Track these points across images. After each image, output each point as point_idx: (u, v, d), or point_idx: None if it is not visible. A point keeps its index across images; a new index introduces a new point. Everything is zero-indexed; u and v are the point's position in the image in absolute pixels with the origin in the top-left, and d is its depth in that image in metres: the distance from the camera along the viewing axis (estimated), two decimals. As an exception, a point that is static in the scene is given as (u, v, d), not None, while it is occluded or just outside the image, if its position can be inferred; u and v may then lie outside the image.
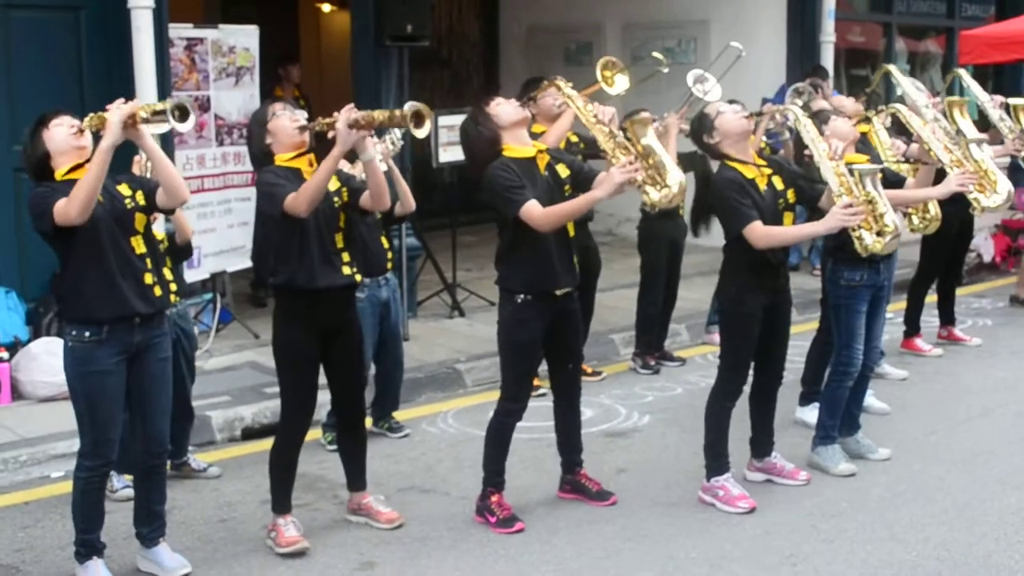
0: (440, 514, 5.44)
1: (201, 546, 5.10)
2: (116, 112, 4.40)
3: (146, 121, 4.45)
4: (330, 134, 4.84)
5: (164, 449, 4.85)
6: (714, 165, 5.62)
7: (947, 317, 8.62)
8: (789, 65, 11.69)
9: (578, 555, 4.96)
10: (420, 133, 4.73)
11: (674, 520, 5.32)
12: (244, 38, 8.19)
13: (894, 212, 5.40)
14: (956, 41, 13.07)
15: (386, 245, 6.37)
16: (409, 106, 4.71)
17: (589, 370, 7.77)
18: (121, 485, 5.57)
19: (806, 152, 5.70)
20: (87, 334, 4.49)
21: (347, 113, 4.71)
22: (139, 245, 4.57)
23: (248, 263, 8.40)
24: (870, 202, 5.29)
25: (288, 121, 4.93)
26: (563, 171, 5.19)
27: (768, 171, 5.42)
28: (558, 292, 5.14)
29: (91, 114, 4.61)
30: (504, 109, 5.14)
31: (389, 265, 6.40)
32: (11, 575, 4.84)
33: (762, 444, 5.73)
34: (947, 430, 6.62)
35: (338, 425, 5.34)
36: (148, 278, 4.60)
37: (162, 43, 7.41)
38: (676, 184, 5.03)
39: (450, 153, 8.97)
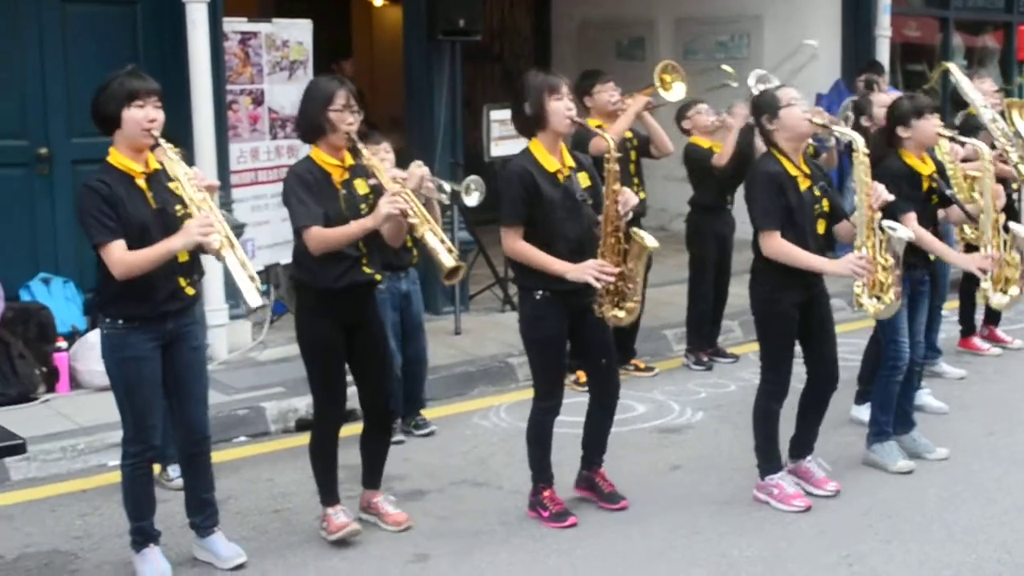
0: (493, 508, 5.44)
1: (256, 536, 5.13)
2: (196, 234, 4.34)
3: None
4: (371, 181, 4.86)
5: (204, 436, 4.87)
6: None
7: (990, 315, 8.47)
8: (844, 61, 11.59)
9: (631, 551, 4.93)
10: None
11: (728, 518, 5.28)
12: (298, 32, 8.23)
13: None
14: (1014, 36, 12.90)
15: (409, 243, 6.27)
16: (449, 262, 4.69)
17: (642, 365, 7.76)
18: (176, 475, 5.62)
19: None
20: (120, 322, 4.55)
21: (393, 203, 4.63)
22: (182, 254, 4.55)
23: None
24: (884, 268, 5.22)
25: (344, 125, 4.81)
26: (584, 180, 5.12)
27: (807, 171, 5.35)
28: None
29: (190, 175, 4.51)
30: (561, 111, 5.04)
31: (414, 261, 6.36)
32: (69, 562, 4.89)
33: (801, 445, 5.60)
34: (1006, 430, 6.52)
35: (364, 421, 5.26)
36: (183, 281, 4.63)
37: (217, 37, 7.47)
38: (633, 313, 5.15)
39: (501, 147, 8.97)
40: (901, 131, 5.77)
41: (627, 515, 5.31)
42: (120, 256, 4.40)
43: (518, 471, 5.87)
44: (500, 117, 8.89)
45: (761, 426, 5.46)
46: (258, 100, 7.97)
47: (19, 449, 3.77)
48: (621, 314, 5.11)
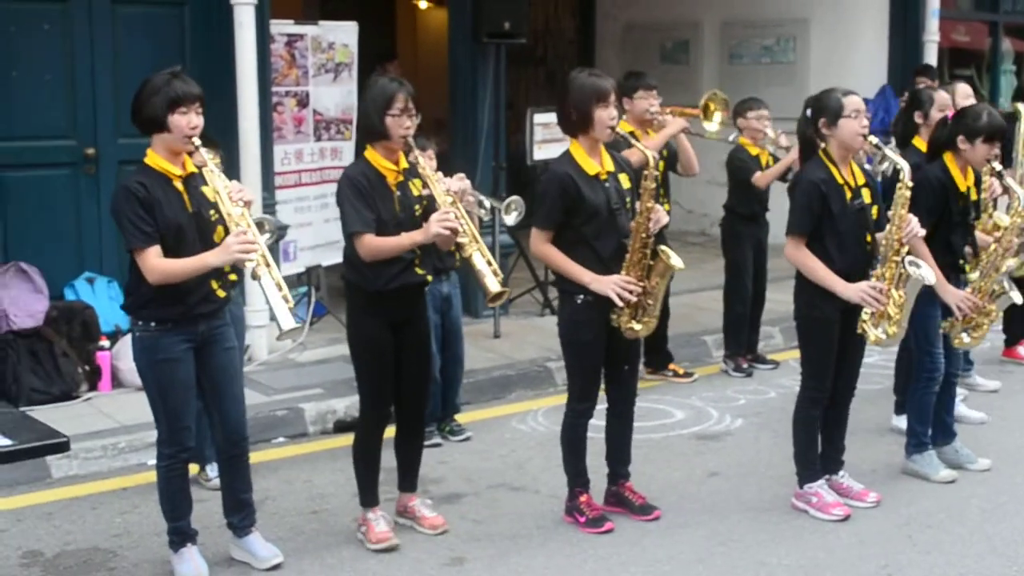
0: (530, 512, 5.44)
1: (293, 537, 5.16)
2: (236, 251, 4.35)
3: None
4: (424, 191, 4.88)
5: (243, 437, 4.90)
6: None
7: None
8: (891, 66, 11.50)
9: (669, 558, 4.91)
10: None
11: (766, 526, 5.25)
12: (343, 34, 8.27)
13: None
14: (1065, 41, 12.74)
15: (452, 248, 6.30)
16: (495, 287, 4.75)
17: (681, 371, 7.73)
18: (214, 474, 5.66)
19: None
20: (153, 324, 4.56)
21: (443, 222, 4.66)
22: None
23: (341, 258, 8.46)
24: (895, 303, 5.16)
25: (401, 129, 4.80)
26: (625, 181, 5.13)
27: (862, 182, 5.31)
28: None
29: (230, 192, 4.50)
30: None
31: (456, 265, 6.35)
32: (109, 560, 4.94)
33: (830, 460, 5.52)
34: (1050, 442, 6.45)
35: (398, 421, 5.24)
36: (215, 284, 4.65)
37: (263, 39, 7.52)
38: (649, 327, 5.13)
39: (544, 151, 8.96)
40: (961, 142, 5.67)
41: (665, 522, 5.29)
42: (155, 263, 4.43)
43: (555, 475, 5.85)
44: (543, 120, 8.89)
45: (801, 434, 5.42)
46: (303, 102, 8.01)
47: (63, 447, 3.80)
48: (638, 327, 5.10)
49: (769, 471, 5.95)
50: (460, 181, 5.00)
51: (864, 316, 5.21)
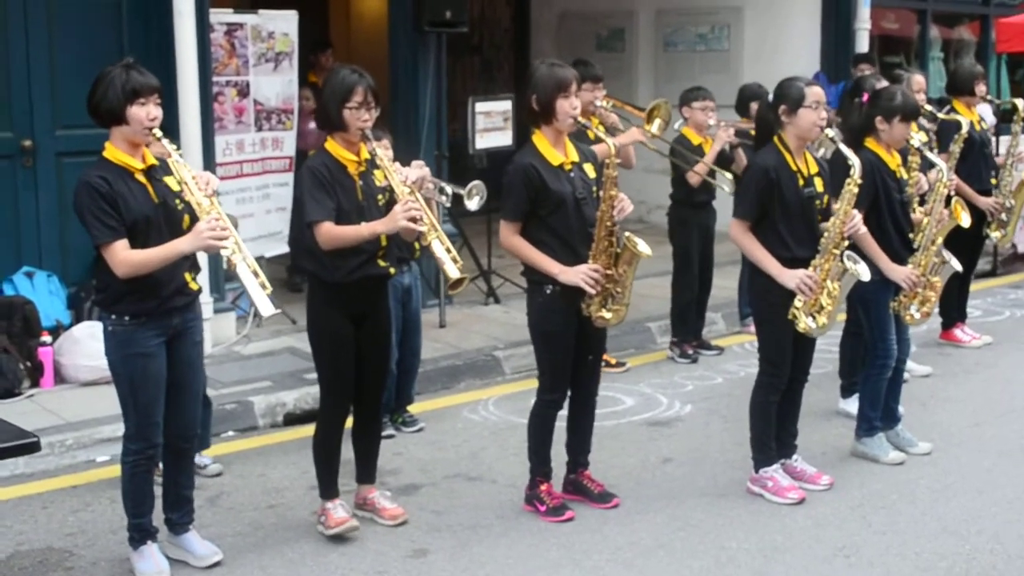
0: (488, 502, 5.44)
1: (252, 532, 5.11)
2: (207, 238, 4.31)
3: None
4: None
5: (195, 433, 4.90)
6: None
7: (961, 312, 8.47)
8: (824, 53, 11.64)
9: (630, 544, 4.95)
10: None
11: (723, 510, 5.30)
12: (283, 23, 8.18)
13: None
14: (990, 28, 12.99)
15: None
16: (454, 273, 4.80)
17: (613, 361, 7.69)
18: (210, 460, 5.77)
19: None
20: (127, 318, 4.49)
21: (405, 213, 4.65)
22: None
23: (286, 249, 8.39)
24: (829, 295, 5.25)
25: (359, 122, 4.77)
26: (590, 171, 5.14)
27: (815, 170, 5.38)
28: None
29: (195, 180, 4.46)
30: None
31: (416, 255, 6.34)
32: (65, 559, 4.85)
33: (784, 444, 5.60)
34: (991, 421, 6.58)
35: (356, 413, 5.21)
36: (188, 276, 4.61)
37: (203, 28, 7.41)
38: (619, 315, 5.14)
39: (487, 139, 8.97)
40: (879, 122, 5.79)
41: (623, 508, 5.32)
42: (124, 256, 4.36)
43: (511, 464, 5.88)
44: (485, 109, 8.89)
45: (758, 419, 5.48)
46: (243, 92, 7.92)
47: (33, 448, 3.72)
48: (608, 315, 5.12)
49: (722, 456, 6.01)
50: (419, 169, 4.99)
51: (797, 304, 5.27)
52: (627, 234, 5.11)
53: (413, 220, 4.67)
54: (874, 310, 5.84)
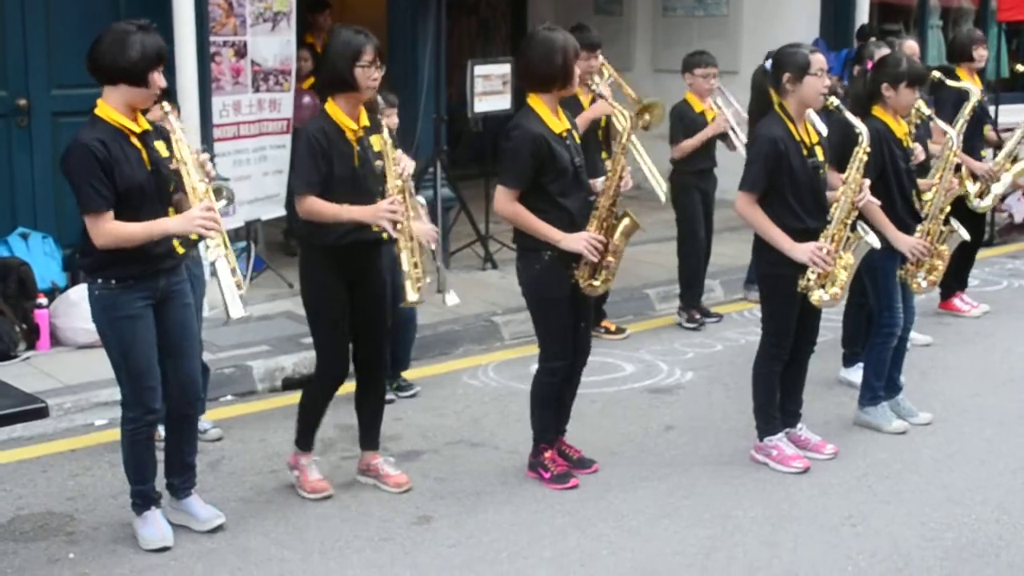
0: (491, 469, 5.41)
1: (254, 497, 5.08)
2: (197, 225, 4.30)
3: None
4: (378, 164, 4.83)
5: (198, 396, 4.84)
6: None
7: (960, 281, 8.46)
8: (823, 19, 11.54)
9: (635, 512, 4.93)
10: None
11: (728, 479, 5.28)
12: (281, -17, 8.05)
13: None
14: (991, -4, 12.89)
15: None
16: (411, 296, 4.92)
17: (613, 327, 7.64)
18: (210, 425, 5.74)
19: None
20: (113, 281, 4.43)
21: (388, 215, 4.69)
22: (172, 213, 4.49)
23: (282, 211, 8.32)
24: (844, 267, 5.23)
25: (370, 81, 4.73)
26: (576, 138, 5.12)
27: (815, 139, 5.33)
28: None
29: (184, 147, 4.47)
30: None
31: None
32: (66, 523, 4.81)
33: (789, 414, 5.58)
34: (990, 391, 6.58)
35: (359, 379, 5.20)
36: (175, 240, 4.54)
37: (201, -13, 7.29)
38: (607, 284, 5.18)
39: (485, 103, 8.88)
40: (885, 89, 5.73)
41: (626, 475, 5.30)
42: (110, 228, 4.29)
43: (513, 431, 5.85)
44: (484, 72, 8.80)
45: (761, 388, 5.46)
46: (241, 52, 7.80)
47: (41, 413, 3.67)
48: (596, 283, 5.12)
49: (724, 424, 5.99)
50: (393, 209, 4.81)
51: (810, 276, 5.23)
52: (627, 208, 5.11)
53: (392, 224, 4.67)
54: (881, 279, 5.80)
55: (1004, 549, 4.63)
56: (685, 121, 7.69)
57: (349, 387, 5.33)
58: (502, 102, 9.06)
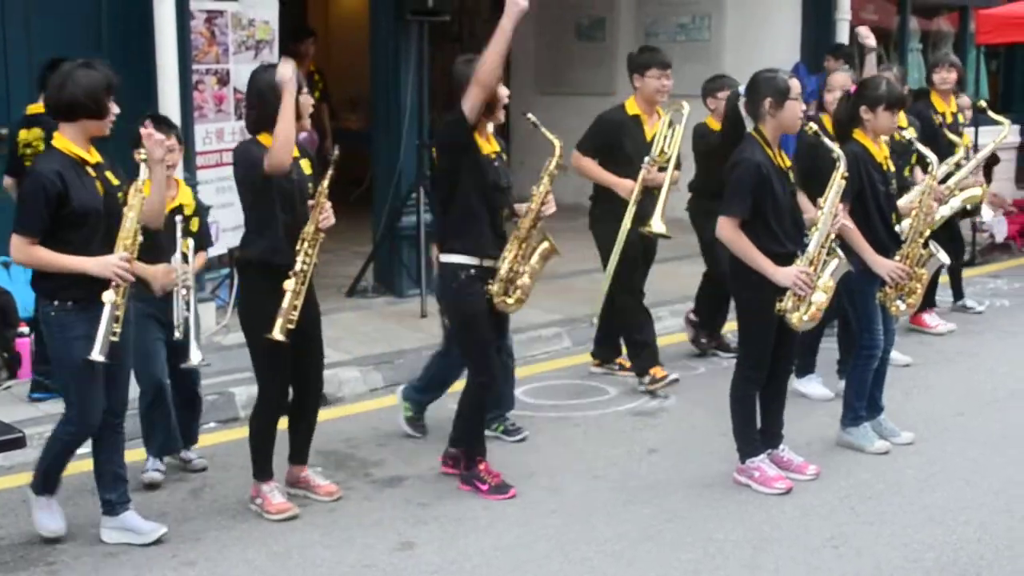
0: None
1: (236, 524, 5.05)
2: (111, 271, 4.56)
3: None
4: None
5: (126, 407, 4.93)
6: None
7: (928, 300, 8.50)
8: (804, 44, 11.64)
9: (618, 536, 4.92)
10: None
11: (710, 502, 5.29)
12: (263, 11, 8.10)
13: None
14: (969, 19, 13.03)
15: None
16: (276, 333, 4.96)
17: (628, 364, 7.25)
18: (194, 455, 5.71)
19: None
20: (69, 303, 4.61)
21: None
22: (132, 239, 4.66)
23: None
24: (823, 289, 5.27)
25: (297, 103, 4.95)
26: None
27: (788, 164, 5.40)
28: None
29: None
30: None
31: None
32: (47, 554, 4.76)
33: (771, 435, 5.59)
34: (974, 411, 6.60)
35: (296, 395, 5.27)
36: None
37: (183, 15, 7.33)
38: (520, 304, 5.32)
39: (469, 129, 8.88)
40: (864, 112, 5.76)
41: (611, 499, 5.30)
42: (33, 251, 4.55)
43: (496, 456, 5.82)
44: (467, 98, 8.82)
45: (739, 412, 5.47)
46: (223, 80, 7.83)
47: (19, 443, 3.67)
48: (509, 300, 5.27)
49: (707, 447, 5.98)
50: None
51: (788, 299, 5.25)
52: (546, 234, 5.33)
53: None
54: (860, 301, 5.83)
55: (986, 569, 4.64)
56: (708, 141, 7.58)
57: (328, 414, 5.34)
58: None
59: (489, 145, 5.27)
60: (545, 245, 5.33)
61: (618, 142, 6.83)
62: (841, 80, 7.02)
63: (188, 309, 5.33)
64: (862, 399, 5.92)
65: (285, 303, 4.90)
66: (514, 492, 5.29)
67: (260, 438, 5.16)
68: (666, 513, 5.16)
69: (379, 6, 8.64)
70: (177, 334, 5.28)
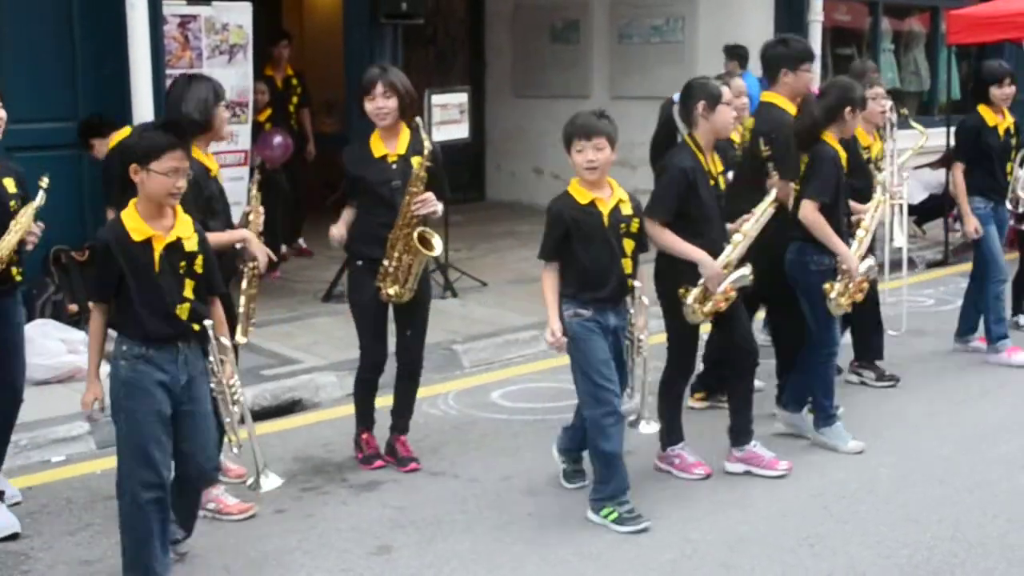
0: (451, 497, 5.41)
1: (212, 531, 5.02)
2: None
3: None
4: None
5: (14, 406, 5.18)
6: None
7: None
8: (777, 45, 11.66)
9: (595, 537, 4.94)
10: None
11: (687, 503, 5.30)
12: (237, 15, 8.09)
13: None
14: (940, 20, 13.11)
15: None
16: None
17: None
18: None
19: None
20: None
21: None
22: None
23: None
24: (724, 299, 5.41)
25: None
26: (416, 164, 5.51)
27: (720, 169, 5.49)
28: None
29: None
30: None
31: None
32: (21, 562, 4.75)
33: (740, 432, 5.65)
34: (948, 410, 6.65)
35: None
36: (14, 270, 4.98)
37: (156, 20, 7.32)
38: (403, 296, 5.60)
39: (443, 132, 8.92)
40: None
41: (588, 500, 5.30)
42: None
43: (473, 459, 5.87)
44: (442, 101, 8.85)
45: (666, 403, 5.61)
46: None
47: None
48: (391, 291, 5.55)
49: (683, 447, 6.01)
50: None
51: (696, 290, 5.36)
52: (426, 230, 5.50)
53: None
54: (818, 298, 5.85)
55: (959, 567, 4.68)
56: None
57: (305, 419, 5.33)
58: (460, 131, 9.11)
59: (384, 148, 5.52)
60: (422, 245, 5.48)
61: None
62: (739, 85, 6.68)
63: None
64: (829, 396, 5.98)
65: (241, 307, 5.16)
66: (380, 464, 5.73)
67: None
68: (644, 514, 5.16)
69: (353, 9, 8.66)
70: None
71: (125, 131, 6.20)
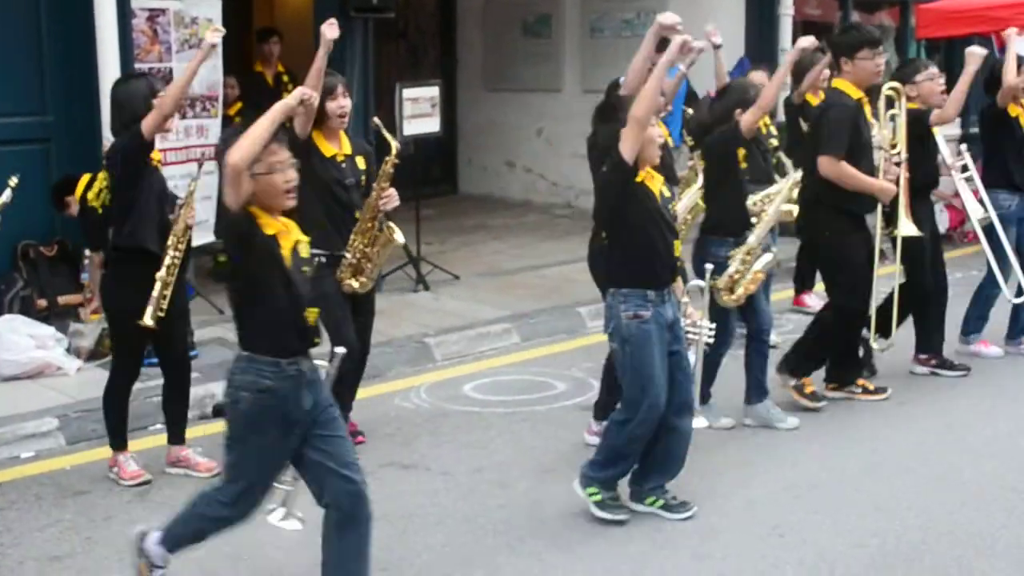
0: (423, 490, 5.42)
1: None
2: None
3: None
4: None
5: None
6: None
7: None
8: (748, 39, 11.72)
9: (567, 529, 4.96)
10: None
11: (658, 493, 5.33)
12: (206, 9, 8.03)
13: None
14: (910, 14, 13.16)
15: None
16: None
17: (871, 387, 6.73)
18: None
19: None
20: None
21: None
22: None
23: (212, 238, 8.27)
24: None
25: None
26: (360, 163, 5.80)
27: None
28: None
29: None
30: None
31: None
32: (-10, 559, 4.74)
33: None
34: (916, 400, 6.70)
35: (167, 378, 5.76)
36: None
37: (124, 14, 7.26)
38: (365, 287, 5.80)
39: (414, 125, 8.91)
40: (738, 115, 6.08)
41: (557, 494, 5.31)
42: None
43: (445, 452, 5.88)
44: (413, 95, 8.84)
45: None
46: (167, 79, 7.73)
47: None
48: (355, 284, 5.73)
49: (655, 439, 6.03)
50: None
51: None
52: (389, 222, 5.73)
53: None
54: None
55: (927, 553, 4.72)
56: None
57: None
58: (431, 125, 9.10)
59: (333, 148, 5.67)
60: (383, 237, 5.71)
61: (859, 135, 6.21)
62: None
63: None
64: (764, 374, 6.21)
65: (156, 291, 5.38)
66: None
67: (115, 411, 5.62)
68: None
69: (323, 4, 8.62)
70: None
71: (86, 177, 6.41)
